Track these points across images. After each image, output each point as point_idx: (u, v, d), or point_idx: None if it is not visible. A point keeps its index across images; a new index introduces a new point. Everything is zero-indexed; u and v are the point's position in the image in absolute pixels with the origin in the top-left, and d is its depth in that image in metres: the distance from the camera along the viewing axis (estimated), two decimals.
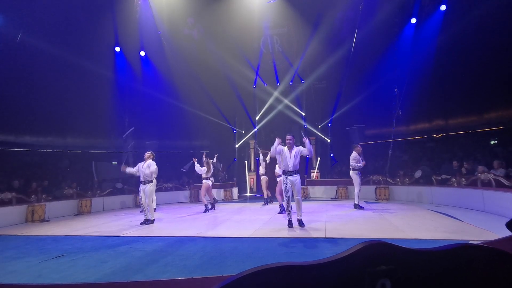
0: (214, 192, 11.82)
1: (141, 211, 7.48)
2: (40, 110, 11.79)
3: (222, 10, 13.30)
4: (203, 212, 8.34)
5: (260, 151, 10.17)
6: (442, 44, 11.34)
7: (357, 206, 7.93)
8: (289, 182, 5.66)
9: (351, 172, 8.13)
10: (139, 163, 7.03)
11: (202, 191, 8.73)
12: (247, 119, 15.45)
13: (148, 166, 6.82)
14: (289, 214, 5.72)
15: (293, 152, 5.73)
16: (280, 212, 7.66)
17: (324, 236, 4.86)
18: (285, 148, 5.82)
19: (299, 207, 5.72)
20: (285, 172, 5.74)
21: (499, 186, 6.73)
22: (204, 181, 8.72)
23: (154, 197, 9.40)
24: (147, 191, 6.72)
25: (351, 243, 3.91)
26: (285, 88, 14.94)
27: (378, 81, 12.71)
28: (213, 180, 9.45)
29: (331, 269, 0.57)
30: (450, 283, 0.61)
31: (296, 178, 5.68)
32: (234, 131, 15.71)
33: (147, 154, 7.02)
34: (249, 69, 14.72)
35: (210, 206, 8.75)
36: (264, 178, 9.66)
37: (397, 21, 12.19)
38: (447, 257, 0.62)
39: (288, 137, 5.87)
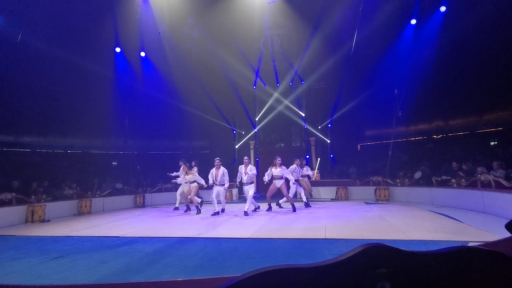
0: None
1: (185, 211, 8.83)
2: (40, 110, 11.79)
3: (222, 11, 13.29)
4: (184, 212, 8.87)
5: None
6: (442, 45, 11.35)
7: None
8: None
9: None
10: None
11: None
12: (247, 120, 15.46)
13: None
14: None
15: (220, 171, 7.94)
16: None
17: (324, 237, 4.86)
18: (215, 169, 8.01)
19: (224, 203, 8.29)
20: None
21: (499, 187, 6.74)
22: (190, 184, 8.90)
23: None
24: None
25: (351, 244, 3.90)
26: (285, 88, 14.95)
27: (378, 82, 12.73)
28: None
29: (331, 272, 0.57)
30: (449, 286, 0.62)
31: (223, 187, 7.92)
32: (234, 132, 15.71)
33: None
34: (249, 69, 14.73)
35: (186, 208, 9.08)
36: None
37: (397, 22, 12.18)
38: (447, 260, 0.62)
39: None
